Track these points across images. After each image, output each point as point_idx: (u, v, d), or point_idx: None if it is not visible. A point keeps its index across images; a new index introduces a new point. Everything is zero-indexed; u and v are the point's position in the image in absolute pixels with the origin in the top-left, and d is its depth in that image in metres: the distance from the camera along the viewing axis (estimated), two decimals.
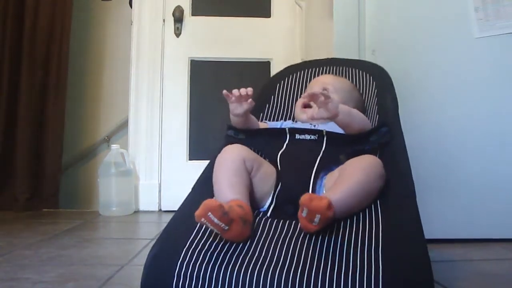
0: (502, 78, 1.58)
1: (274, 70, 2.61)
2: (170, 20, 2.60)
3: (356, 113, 1.15)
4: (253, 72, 2.67)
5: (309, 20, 2.46)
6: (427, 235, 0.90)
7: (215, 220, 0.84)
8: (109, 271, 1.20)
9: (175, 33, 2.60)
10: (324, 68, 1.48)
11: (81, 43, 2.82)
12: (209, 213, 0.84)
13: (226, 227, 0.85)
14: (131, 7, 2.61)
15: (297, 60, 2.59)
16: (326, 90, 1.23)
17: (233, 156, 1.03)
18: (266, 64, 2.63)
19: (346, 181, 0.96)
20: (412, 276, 0.79)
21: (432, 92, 1.61)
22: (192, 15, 2.63)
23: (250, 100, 1.13)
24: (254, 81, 2.65)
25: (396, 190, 0.99)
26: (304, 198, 0.86)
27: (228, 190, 0.97)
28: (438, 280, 1.10)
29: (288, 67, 1.54)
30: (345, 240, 0.86)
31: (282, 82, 1.47)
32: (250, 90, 1.13)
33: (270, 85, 1.48)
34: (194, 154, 2.56)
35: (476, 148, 1.58)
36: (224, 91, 1.12)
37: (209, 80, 2.64)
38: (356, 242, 0.86)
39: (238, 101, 1.13)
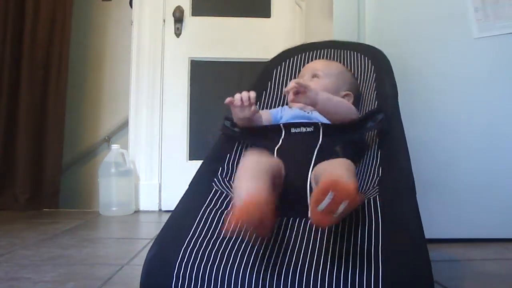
0: (502, 78, 1.58)
1: None
2: (170, 20, 2.60)
3: (338, 100, 1.14)
4: (253, 72, 2.66)
5: (309, 20, 2.46)
6: (427, 235, 0.89)
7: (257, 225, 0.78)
8: (109, 271, 1.20)
9: (175, 33, 2.60)
10: (321, 51, 1.44)
11: (82, 43, 2.82)
12: (251, 217, 0.76)
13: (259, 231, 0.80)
14: (131, 7, 2.61)
15: None
16: (316, 76, 1.26)
17: (258, 158, 0.99)
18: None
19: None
20: (412, 276, 0.79)
21: (431, 92, 1.61)
22: (192, 15, 2.63)
23: (253, 107, 1.12)
24: (254, 81, 2.65)
25: (395, 184, 0.98)
26: (329, 181, 0.75)
27: (249, 181, 0.89)
28: (438, 280, 1.10)
29: (285, 51, 1.49)
30: (344, 239, 0.86)
31: (279, 67, 1.44)
32: (252, 94, 1.11)
33: (267, 72, 1.44)
34: (194, 154, 2.56)
35: (476, 148, 1.58)
36: (227, 100, 1.11)
37: (209, 80, 2.64)
38: (356, 242, 0.85)
39: (241, 107, 1.12)
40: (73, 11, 2.61)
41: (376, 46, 1.67)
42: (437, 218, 1.52)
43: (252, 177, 0.89)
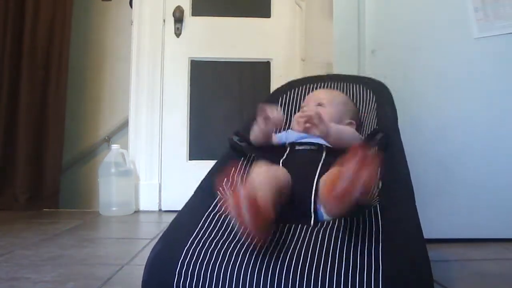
0: (502, 78, 1.58)
1: (274, 70, 2.62)
2: (170, 20, 2.60)
3: (345, 129, 1.19)
4: (253, 72, 2.67)
5: (309, 20, 2.46)
6: (427, 235, 0.90)
7: (245, 214, 0.78)
8: (109, 271, 1.20)
9: (175, 33, 2.60)
10: (325, 83, 1.49)
11: (81, 43, 2.82)
12: (244, 203, 0.77)
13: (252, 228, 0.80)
14: (131, 7, 2.61)
15: (297, 60, 2.60)
16: (321, 105, 1.28)
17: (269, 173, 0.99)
18: (266, 64, 2.64)
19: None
20: (412, 276, 0.79)
21: (431, 92, 1.61)
22: (192, 15, 2.63)
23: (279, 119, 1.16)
24: (254, 81, 2.65)
25: (395, 193, 1.00)
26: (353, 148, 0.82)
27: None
28: (438, 280, 1.10)
29: (290, 81, 1.55)
30: (345, 240, 0.86)
31: (284, 95, 1.49)
32: (279, 113, 1.17)
33: (272, 98, 1.50)
34: (194, 154, 2.56)
35: (476, 148, 1.58)
36: (260, 106, 1.14)
37: (209, 80, 2.64)
38: (356, 243, 0.86)
39: (268, 121, 1.15)
40: (73, 11, 2.61)
41: (376, 46, 1.68)
42: (437, 218, 1.52)
43: (260, 182, 0.91)
